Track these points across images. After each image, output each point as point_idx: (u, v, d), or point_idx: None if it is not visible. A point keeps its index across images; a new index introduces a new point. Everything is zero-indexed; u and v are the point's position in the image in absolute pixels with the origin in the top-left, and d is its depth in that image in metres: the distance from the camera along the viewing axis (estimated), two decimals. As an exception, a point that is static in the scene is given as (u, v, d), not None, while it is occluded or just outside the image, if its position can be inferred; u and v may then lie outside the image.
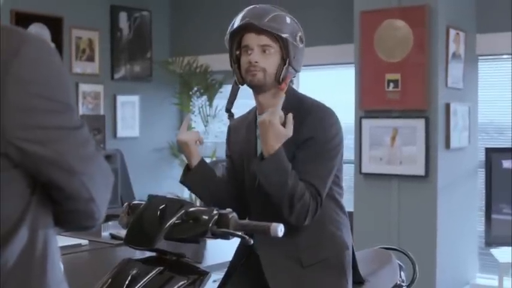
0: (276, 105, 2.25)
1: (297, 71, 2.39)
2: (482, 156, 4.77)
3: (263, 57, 2.31)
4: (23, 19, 5.37)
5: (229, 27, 2.38)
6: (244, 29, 2.33)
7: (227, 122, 6.87)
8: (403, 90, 4.63)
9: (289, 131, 2.22)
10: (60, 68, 1.21)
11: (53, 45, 5.10)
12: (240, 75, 2.39)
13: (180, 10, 6.67)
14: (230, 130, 2.62)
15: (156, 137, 6.59)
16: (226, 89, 6.25)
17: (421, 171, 4.58)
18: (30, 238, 1.21)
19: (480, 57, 5.04)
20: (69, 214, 1.29)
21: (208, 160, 5.78)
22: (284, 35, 2.30)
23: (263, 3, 2.46)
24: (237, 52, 2.39)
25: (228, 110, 2.49)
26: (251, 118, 2.51)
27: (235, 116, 2.57)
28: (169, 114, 6.70)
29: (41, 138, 1.17)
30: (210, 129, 6.31)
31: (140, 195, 4.34)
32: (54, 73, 1.20)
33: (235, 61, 2.40)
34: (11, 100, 1.12)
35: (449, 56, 4.66)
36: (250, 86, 2.38)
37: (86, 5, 6.02)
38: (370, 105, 4.80)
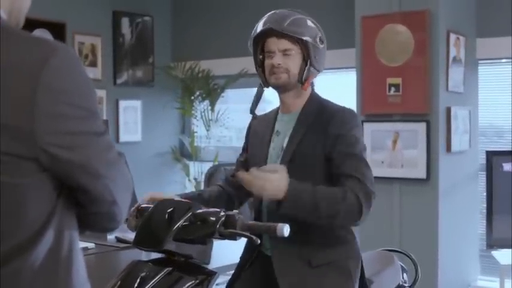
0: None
1: (318, 70, 2.49)
2: (482, 160, 4.80)
3: (285, 59, 2.42)
4: (25, 25, 5.36)
5: (252, 33, 2.48)
6: (265, 34, 2.43)
7: (229, 126, 6.86)
8: (404, 94, 4.66)
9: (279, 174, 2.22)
10: (86, 76, 1.26)
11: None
12: (264, 78, 2.50)
13: (181, 15, 6.70)
14: (250, 127, 2.69)
15: (158, 142, 6.61)
16: (228, 93, 6.28)
17: (422, 174, 4.61)
18: (56, 240, 1.26)
19: (480, 61, 5.08)
20: (92, 216, 1.34)
21: (210, 164, 5.83)
22: (304, 37, 2.40)
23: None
24: (261, 56, 2.50)
25: (252, 111, 2.58)
26: (271, 118, 2.59)
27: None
28: (172, 119, 6.73)
29: (70, 144, 1.22)
30: (212, 134, 6.34)
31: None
32: (80, 81, 1.24)
33: (259, 65, 2.51)
34: (41, 107, 1.17)
35: (449, 60, 4.69)
36: (275, 87, 2.49)
37: (88, 11, 6.06)
38: (371, 109, 4.83)
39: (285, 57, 2.41)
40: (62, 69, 1.20)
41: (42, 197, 1.23)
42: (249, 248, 2.52)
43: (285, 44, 2.41)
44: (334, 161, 2.36)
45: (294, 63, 2.42)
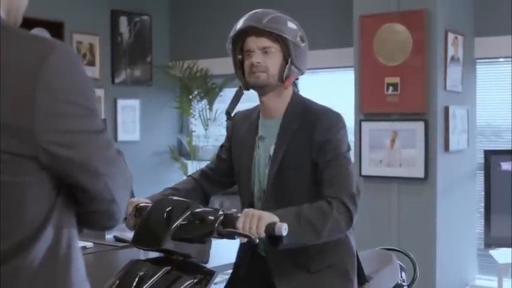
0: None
1: (301, 70, 2.41)
2: (480, 159, 4.81)
3: (265, 58, 2.34)
4: (23, 24, 5.34)
5: (231, 33, 2.42)
6: (245, 33, 2.37)
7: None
8: (402, 94, 4.67)
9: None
10: (85, 74, 1.26)
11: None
12: (244, 80, 2.42)
13: (180, 14, 6.70)
14: (234, 121, 2.61)
15: (156, 141, 6.61)
16: (226, 92, 6.28)
17: (420, 173, 4.61)
18: (55, 238, 1.26)
19: (478, 61, 5.08)
20: (91, 215, 1.34)
21: (207, 163, 5.82)
22: (283, 34, 2.33)
23: (262, 7, 2.50)
24: (239, 56, 2.42)
25: (228, 113, 2.49)
26: (253, 119, 2.52)
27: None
28: (170, 118, 6.74)
29: (70, 142, 1.22)
30: (210, 133, 6.34)
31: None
32: (80, 79, 1.24)
33: (239, 66, 2.43)
34: (41, 106, 1.16)
35: (447, 59, 4.69)
36: (254, 87, 2.41)
37: (86, 10, 6.06)
38: (369, 109, 4.83)
39: (265, 56, 2.33)
40: (61, 67, 1.20)
41: (42, 196, 1.23)
42: (244, 249, 2.51)
43: (264, 42, 2.33)
44: (319, 166, 2.32)
45: (273, 62, 2.34)
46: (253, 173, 2.45)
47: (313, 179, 2.33)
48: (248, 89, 2.44)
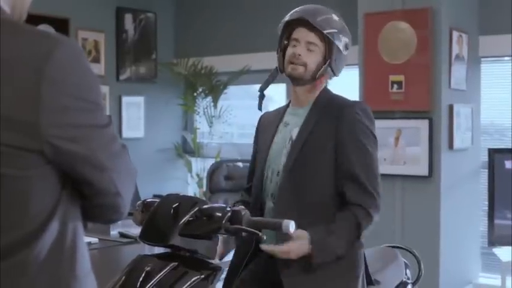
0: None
1: (335, 74, 2.54)
2: (484, 157, 4.81)
3: (306, 53, 2.45)
4: (29, 20, 5.34)
5: (286, 17, 2.52)
6: (297, 23, 2.47)
7: (231, 123, 6.84)
8: (406, 92, 4.67)
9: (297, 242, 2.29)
10: (90, 69, 1.27)
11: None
12: (283, 64, 2.53)
13: (184, 12, 6.71)
14: (260, 121, 2.73)
15: (161, 138, 6.63)
16: (231, 90, 6.30)
17: (424, 171, 4.62)
18: (61, 231, 1.27)
19: (482, 59, 5.08)
20: (96, 208, 1.35)
21: (212, 161, 5.84)
22: (332, 38, 2.44)
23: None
24: (285, 42, 2.53)
25: (262, 90, 2.60)
26: (281, 112, 2.63)
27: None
28: (174, 115, 6.75)
29: (75, 136, 1.23)
30: (214, 130, 6.35)
31: (145, 196, 4.37)
32: (84, 74, 1.25)
33: (282, 50, 2.55)
34: (46, 100, 1.17)
35: (452, 57, 4.69)
36: (290, 77, 2.51)
37: (92, 7, 6.07)
38: (374, 106, 4.75)
39: (307, 52, 2.45)
40: (66, 62, 1.21)
41: (47, 189, 1.24)
42: (245, 246, 2.50)
43: (312, 37, 2.45)
44: (344, 165, 2.41)
45: (312, 60, 2.46)
46: (269, 158, 2.52)
47: (333, 161, 2.41)
48: (283, 72, 2.56)
